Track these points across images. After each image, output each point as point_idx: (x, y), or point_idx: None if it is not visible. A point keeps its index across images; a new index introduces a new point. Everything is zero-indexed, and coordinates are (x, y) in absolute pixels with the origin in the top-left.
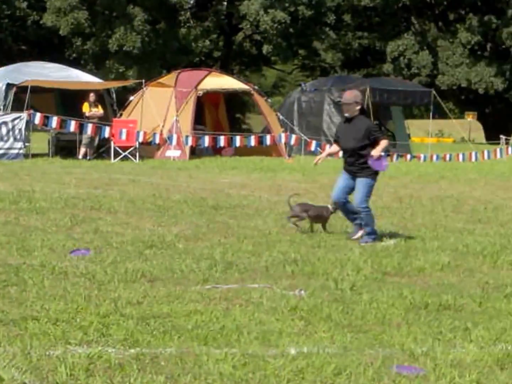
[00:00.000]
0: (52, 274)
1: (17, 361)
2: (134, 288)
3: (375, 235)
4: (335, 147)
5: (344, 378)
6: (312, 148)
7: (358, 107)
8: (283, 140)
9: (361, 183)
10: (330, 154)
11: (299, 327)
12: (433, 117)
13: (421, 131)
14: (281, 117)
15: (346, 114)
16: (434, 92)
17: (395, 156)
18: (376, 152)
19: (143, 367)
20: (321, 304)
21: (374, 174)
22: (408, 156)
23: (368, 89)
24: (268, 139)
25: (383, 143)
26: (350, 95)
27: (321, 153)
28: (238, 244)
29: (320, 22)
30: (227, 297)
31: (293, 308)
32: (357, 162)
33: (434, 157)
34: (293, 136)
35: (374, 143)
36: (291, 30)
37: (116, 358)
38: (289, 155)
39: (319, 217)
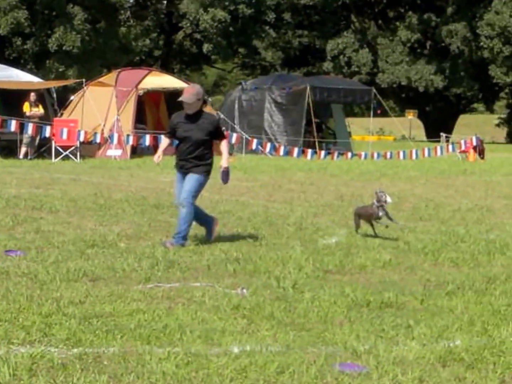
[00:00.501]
0: None
1: None
2: (76, 287)
3: (184, 241)
4: (166, 141)
5: (287, 376)
6: (253, 146)
7: (201, 103)
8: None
9: (193, 178)
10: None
11: (242, 326)
12: (377, 114)
13: (362, 129)
14: (222, 116)
15: (189, 112)
16: (374, 90)
17: (336, 154)
18: (226, 163)
19: (86, 367)
20: (263, 302)
21: (207, 173)
22: (349, 154)
23: (308, 88)
24: None
25: (227, 150)
26: (192, 94)
27: (262, 151)
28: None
29: (260, 21)
30: (170, 296)
31: (236, 307)
32: (194, 158)
33: (375, 155)
34: (234, 135)
35: (216, 138)
36: (231, 28)
37: (59, 358)
38: (230, 154)
39: (370, 215)
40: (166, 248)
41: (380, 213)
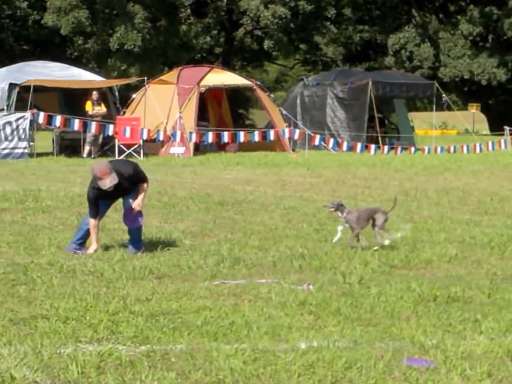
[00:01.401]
0: (60, 273)
1: (28, 360)
2: (143, 285)
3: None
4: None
5: (355, 372)
6: (316, 142)
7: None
8: (286, 135)
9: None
10: None
11: (309, 322)
12: (440, 108)
13: (424, 123)
14: (284, 112)
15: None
16: (436, 84)
17: (399, 149)
18: (138, 205)
19: (153, 364)
20: (329, 298)
21: None
22: (413, 149)
23: (370, 83)
24: (272, 134)
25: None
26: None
27: (325, 147)
28: (245, 239)
29: (320, 16)
30: (236, 292)
31: (302, 303)
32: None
33: (439, 149)
34: (297, 131)
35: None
36: (291, 25)
37: (127, 356)
38: (293, 150)
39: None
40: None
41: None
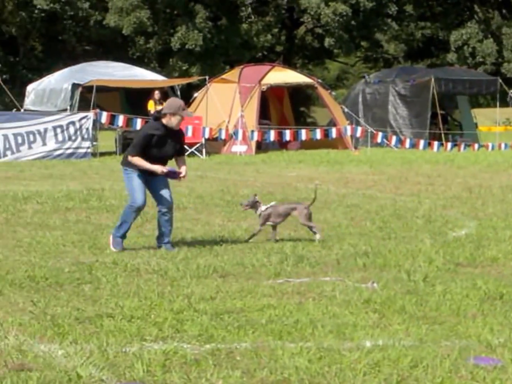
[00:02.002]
0: (124, 272)
1: (94, 358)
2: (207, 283)
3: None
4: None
5: (421, 371)
6: (378, 139)
7: None
8: (349, 133)
9: (164, 180)
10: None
11: (373, 320)
12: (504, 104)
13: (488, 120)
14: (346, 109)
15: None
16: (500, 80)
17: (462, 146)
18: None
19: (219, 362)
20: (394, 296)
21: None
22: (476, 146)
23: (432, 79)
24: (334, 132)
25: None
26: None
27: (387, 144)
28: (308, 237)
29: (381, 14)
30: (300, 291)
31: (367, 301)
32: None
33: (503, 146)
34: (359, 128)
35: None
36: (352, 22)
37: (192, 354)
38: (355, 147)
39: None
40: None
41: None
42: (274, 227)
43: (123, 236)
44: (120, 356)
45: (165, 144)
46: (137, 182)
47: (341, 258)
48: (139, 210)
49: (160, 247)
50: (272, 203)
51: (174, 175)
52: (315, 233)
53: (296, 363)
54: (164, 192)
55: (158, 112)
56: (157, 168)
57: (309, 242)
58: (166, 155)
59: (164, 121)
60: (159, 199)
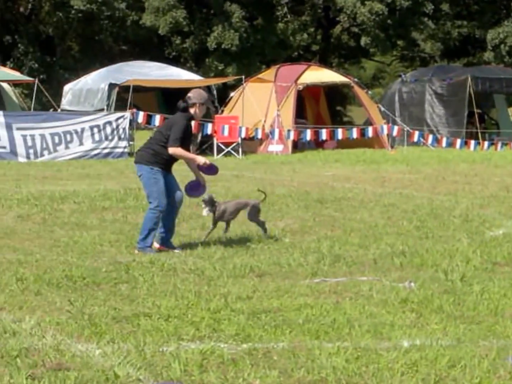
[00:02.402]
0: (161, 271)
1: (131, 358)
2: (243, 283)
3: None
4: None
5: (459, 371)
6: (415, 139)
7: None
8: (385, 132)
9: (173, 177)
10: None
11: (411, 319)
12: None
13: None
14: (382, 108)
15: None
16: None
17: (499, 145)
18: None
19: (256, 362)
20: (431, 295)
21: None
22: None
23: (469, 78)
24: (370, 131)
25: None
26: (207, 96)
27: (424, 143)
28: (345, 237)
29: (418, 12)
30: (337, 290)
31: (404, 300)
32: (177, 160)
33: None
34: (395, 127)
35: None
36: (389, 21)
37: (229, 354)
38: (392, 147)
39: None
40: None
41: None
42: (227, 223)
43: (151, 245)
44: (157, 356)
45: (188, 135)
46: (162, 184)
47: (378, 257)
48: (162, 214)
49: (173, 248)
50: (225, 200)
51: (213, 169)
52: (265, 230)
53: (333, 363)
54: (179, 192)
55: (185, 101)
56: (200, 158)
57: (345, 242)
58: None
59: (192, 111)
60: (174, 198)
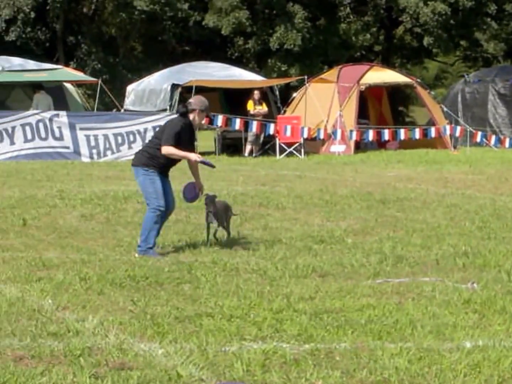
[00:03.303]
0: (224, 271)
1: (194, 358)
2: (306, 283)
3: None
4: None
5: None
6: (478, 139)
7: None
8: (448, 132)
9: (169, 183)
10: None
11: (473, 320)
12: None
13: None
14: (445, 109)
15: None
16: None
17: None
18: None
19: (318, 362)
20: (494, 296)
21: None
22: None
23: None
24: (433, 132)
25: None
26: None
27: (487, 144)
28: (407, 237)
29: (481, 13)
30: (399, 291)
31: (466, 301)
32: (174, 165)
33: None
34: (458, 128)
35: None
36: (451, 21)
37: (291, 354)
38: (455, 147)
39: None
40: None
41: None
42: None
43: (154, 245)
44: (220, 356)
45: (187, 139)
46: (159, 184)
47: (441, 258)
48: (163, 213)
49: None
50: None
51: (207, 164)
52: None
53: (396, 363)
54: (172, 197)
55: (185, 106)
56: (192, 155)
57: (408, 242)
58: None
59: (191, 116)
60: (168, 202)
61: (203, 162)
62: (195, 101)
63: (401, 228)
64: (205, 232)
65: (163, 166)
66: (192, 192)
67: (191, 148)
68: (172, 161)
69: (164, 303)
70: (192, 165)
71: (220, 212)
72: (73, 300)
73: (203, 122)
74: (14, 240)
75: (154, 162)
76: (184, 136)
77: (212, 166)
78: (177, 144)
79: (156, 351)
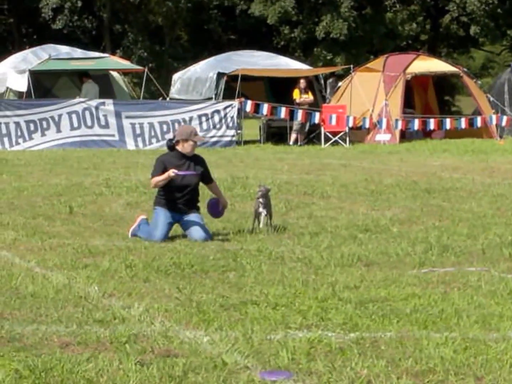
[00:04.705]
0: (269, 259)
1: (239, 346)
2: (351, 272)
3: None
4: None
5: None
6: None
7: None
8: (494, 122)
9: (198, 217)
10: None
11: None
12: None
13: None
14: (491, 98)
15: (190, 154)
16: None
17: None
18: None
19: (363, 351)
20: None
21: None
22: None
23: None
24: (479, 121)
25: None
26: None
27: None
28: (453, 227)
29: None
30: (445, 280)
31: None
32: (192, 199)
33: None
34: (504, 117)
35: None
36: (499, 10)
37: (337, 342)
38: (501, 137)
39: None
40: None
41: (260, 209)
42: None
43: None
44: (265, 344)
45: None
46: (162, 218)
47: (487, 248)
48: (153, 241)
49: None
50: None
51: (190, 177)
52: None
53: (441, 353)
54: (196, 228)
55: (171, 140)
56: (167, 173)
57: (453, 232)
58: (189, 183)
59: (179, 148)
60: (193, 234)
61: (182, 174)
62: (177, 133)
63: (446, 217)
64: (252, 220)
65: (167, 201)
66: (215, 208)
67: (200, 180)
68: (176, 194)
69: (209, 291)
70: (210, 188)
71: (269, 204)
72: (119, 287)
73: (194, 148)
74: (61, 228)
75: (158, 199)
76: (169, 165)
77: (195, 175)
78: (168, 183)
79: (202, 338)
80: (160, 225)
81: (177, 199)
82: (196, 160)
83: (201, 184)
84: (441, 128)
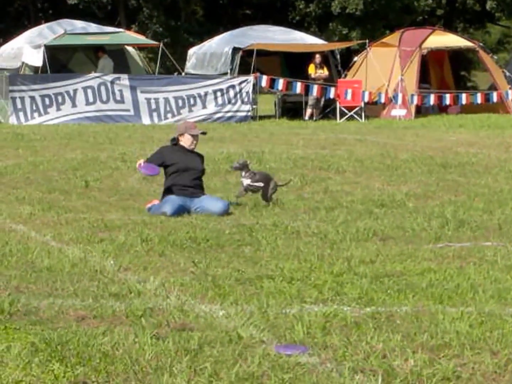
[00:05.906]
0: (284, 234)
1: (255, 320)
2: (366, 246)
3: None
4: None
5: None
6: None
7: None
8: (510, 97)
9: (210, 196)
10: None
11: None
12: None
13: None
14: (507, 73)
15: (193, 147)
16: None
17: None
18: None
19: (379, 326)
20: None
21: None
22: None
23: None
24: (495, 96)
25: None
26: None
27: None
28: (469, 202)
29: None
30: (461, 255)
31: None
32: (201, 185)
33: None
34: None
35: None
36: None
37: (352, 317)
38: None
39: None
40: None
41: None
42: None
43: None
44: (280, 318)
45: (190, 158)
46: (173, 197)
47: (503, 223)
48: (163, 215)
49: None
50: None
51: (150, 170)
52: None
53: (457, 327)
54: (212, 201)
55: (173, 139)
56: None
57: (469, 207)
58: (194, 165)
59: (181, 143)
60: (210, 208)
61: (142, 170)
62: (177, 129)
63: (462, 192)
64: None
65: (169, 190)
66: (151, 169)
67: (193, 167)
68: (185, 175)
69: (225, 265)
70: None
71: (265, 179)
72: (135, 261)
73: (194, 142)
74: (77, 202)
75: (165, 191)
76: (174, 156)
77: (155, 175)
78: (167, 165)
79: (217, 312)
80: (170, 202)
81: (187, 182)
82: (198, 156)
83: (202, 183)
84: (457, 103)
